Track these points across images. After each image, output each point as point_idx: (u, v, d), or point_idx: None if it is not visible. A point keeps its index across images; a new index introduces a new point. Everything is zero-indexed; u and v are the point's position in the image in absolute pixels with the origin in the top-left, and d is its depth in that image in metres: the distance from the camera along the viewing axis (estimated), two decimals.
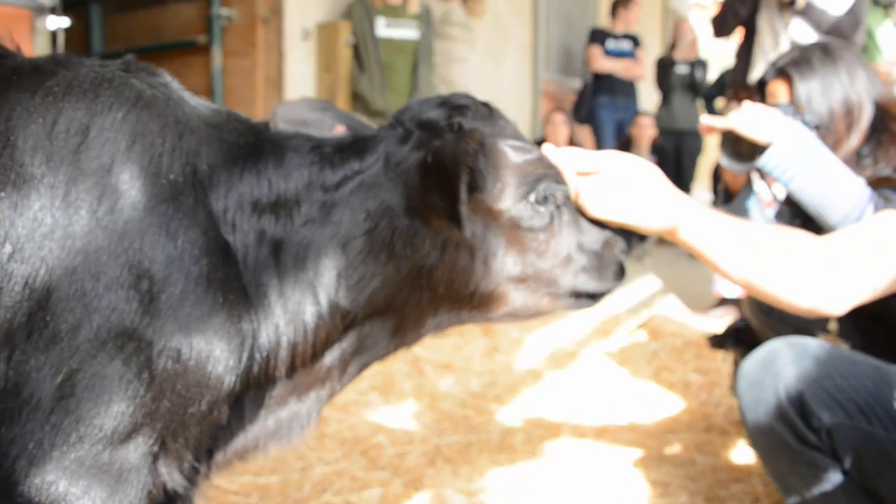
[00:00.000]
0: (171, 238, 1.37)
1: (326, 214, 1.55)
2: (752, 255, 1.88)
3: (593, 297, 1.81)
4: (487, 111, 1.70)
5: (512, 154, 1.65)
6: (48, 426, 1.32)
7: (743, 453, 3.35)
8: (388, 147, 1.61)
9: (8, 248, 1.30)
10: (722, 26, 5.90)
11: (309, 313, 1.54)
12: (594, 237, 1.79)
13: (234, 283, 1.44)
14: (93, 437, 1.33)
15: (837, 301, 1.93)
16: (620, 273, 1.83)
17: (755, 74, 5.30)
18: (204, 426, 1.47)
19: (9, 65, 1.43)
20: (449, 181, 1.49)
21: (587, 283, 1.77)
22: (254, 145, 1.57)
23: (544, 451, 3.35)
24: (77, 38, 6.95)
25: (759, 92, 2.90)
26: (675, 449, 3.42)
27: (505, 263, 1.64)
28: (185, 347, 1.36)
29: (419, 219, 1.57)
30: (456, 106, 1.65)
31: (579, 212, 1.79)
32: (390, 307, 1.61)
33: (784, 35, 5.27)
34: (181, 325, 1.36)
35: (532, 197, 1.65)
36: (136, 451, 1.39)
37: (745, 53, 5.56)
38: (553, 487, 3.02)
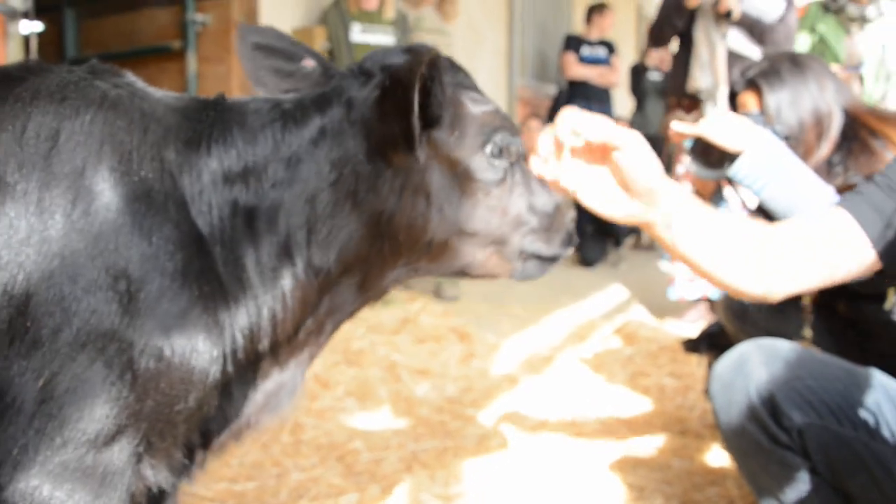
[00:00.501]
0: (146, 236, 1.38)
1: (293, 173, 1.56)
2: (715, 245, 1.82)
3: (541, 260, 1.83)
4: (449, 62, 1.73)
5: (470, 104, 1.69)
6: (32, 431, 1.32)
7: (718, 456, 3.38)
8: (349, 93, 1.63)
9: None
10: (658, 37, 6.00)
11: (286, 276, 1.55)
12: (545, 200, 1.80)
13: (209, 273, 1.45)
14: (76, 440, 1.34)
15: (777, 289, 1.89)
16: (569, 240, 1.84)
17: (693, 84, 5.42)
18: (192, 422, 1.48)
19: None
20: (403, 97, 1.51)
21: (535, 245, 1.79)
22: (215, 118, 1.58)
23: (520, 456, 3.36)
24: (51, 43, 6.88)
25: (730, 102, 2.93)
26: (650, 453, 3.44)
27: (459, 214, 1.67)
28: (167, 345, 1.37)
29: (380, 159, 1.59)
30: (420, 52, 1.61)
31: (531, 174, 1.78)
32: (357, 260, 1.63)
33: (720, 44, 5.37)
34: (161, 322, 1.37)
35: (488, 149, 1.68)
36: (121, 453, 1.40)
37: (683, 62, 5.66)
38: (529, 492, 3.03)
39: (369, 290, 1.71)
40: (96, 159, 1.38)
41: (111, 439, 1.37)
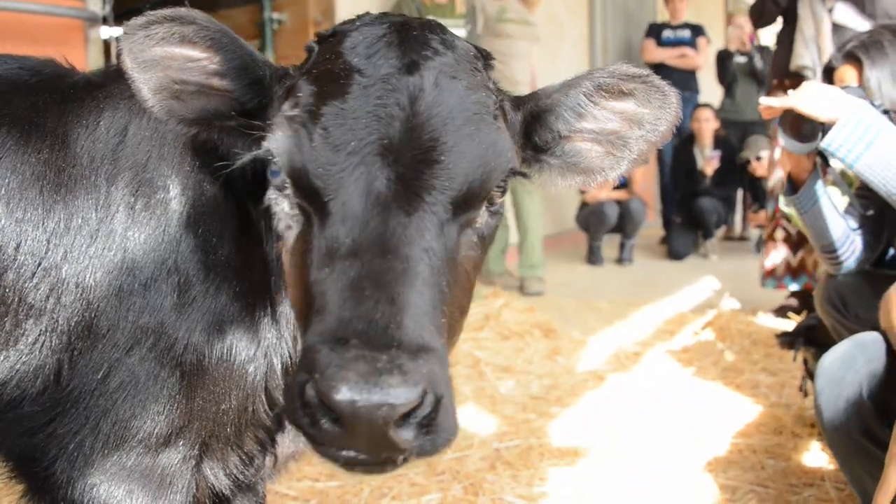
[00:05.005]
0: (193, 228, 1.40)
1: None
2: None
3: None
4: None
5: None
6: (88, 427, 1.34)
7: (815, 457, 3.22)
8: None
9: (62, 250, 1.35)
10: (761, 15, 5.75)
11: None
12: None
13: (251, 269, 1.44)
14: (133, 439, 1.35)
15: None
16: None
17: (797, 61, 5.15)
18: (241, 426, 1.46)
19: (67, 82, 1.51)
20: None
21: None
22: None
23: (607, 455, 3.26)
24: None
25: (827, 77, 2.78)
26: (743, 452, 3.30)
27: None
28: (208, 342, 1.38)
29: None
30: None
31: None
32: None
33: (826, 19, 5.10)
34: (204, 319, 1.37)
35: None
36: (178, 453, 1.41)
37: (786, 40, 5.40)
38: (616, 492, 2.94)
39: None
40: (159, 154, 1.42)
41: (167, 440, 1.38)
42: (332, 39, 1.26)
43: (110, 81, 1.51)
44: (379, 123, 1.10)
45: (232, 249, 1.42)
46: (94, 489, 1.35)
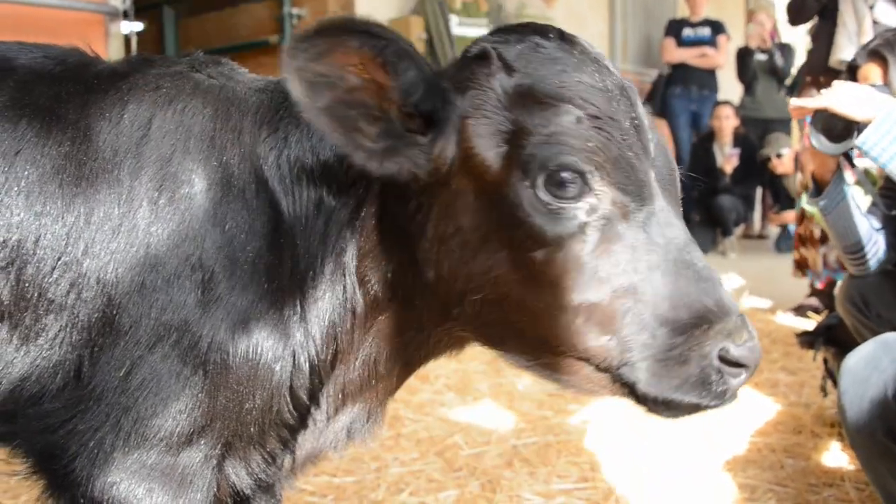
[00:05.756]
0: (220, 224, 1.37)
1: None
2: None
3: (641, 400, 1.25)
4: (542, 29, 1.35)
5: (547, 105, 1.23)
6: (109, 424, 1.33)
7: (835, 457, 3.20)
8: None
9: (82, 244, 1.33)
10: (800, 11, 5.66)
11: (349, 290, 1.44)
12: (681, 298, 1.19)
13: (279, 268, 1.41)
14: (154, 437, 1.34)
15: None
16: (702, 389, 1.21)
17: (838, 55, 5.07)
18: (264, 425, 1.45)
19: (91, 72, 1.48)
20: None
21: (637, 373, 1.21)
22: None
23: (625, 453, 3.25)
24: (151, 41, 7.11)
25: (850, 75, 2.75)
26: (762, 451, 3.28)
27: (484, 260, 1.28)
28: (233, 340, 1.36)
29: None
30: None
31: (675, 250, 1.24)
32: (407, 293, 1.42)
33: (868, 15, 5.04)
34: (229, 316, 1.35)
35: (542, 178, 1.21)
36: (199, 452, 1.39)
37: (825, 37, 5.32)
38: (634, 490, 2.92)
39: (429, 335, 1.48)
40: (184, 148, 1.40)
41: (189, 438, 1.37)
42: (505, 56, 1.27)
43: (134, 71, 1.49)
44: (640, 134, 1.26)
45: (262, 246, 1.39)
46: (115, 487, 1.34)
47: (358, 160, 1.21)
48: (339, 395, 1.54)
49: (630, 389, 1.23)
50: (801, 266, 5.51)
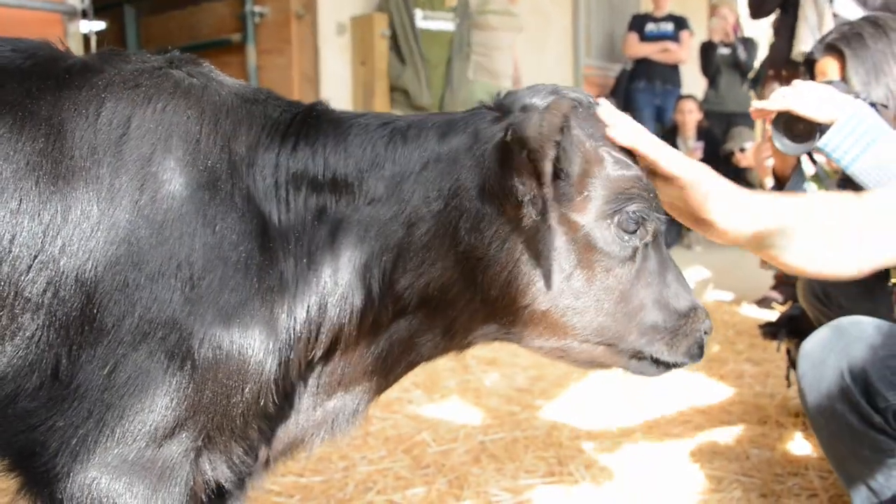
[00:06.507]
0: (209, 225, 1.37)
1: (392, 192, 1.49)
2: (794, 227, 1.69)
3: (658, 364, 1.61)
4: (593, 110, 1.56)
5: (609, 164, 1.49)
6: (92, 421, 1.32)
7: (799, 446, 3.23)
8: (478, 125, 1.51)
9: (59, 242, 1.32)
10: (760, 6, 5.71)
11: (358, 295, 1.49)
12: (680, 298, 1.59)
13: (272, 269, 1.42)
14: (136, 432, 1.34)
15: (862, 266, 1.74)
16: (698, 352, 1.62)
17: (800, 47, 5.12)
18: (249, 416, 1.46)
19: (62, 66, 1.45)
20: (532, 159, 1.39)
21: (654, 347, 1.58)
22: (305, 120, 1.53)
23: (592, 447, 3.26)
24: (112, 41, 7.02)
25: (808, 69, 2.77)
26: (728, 442, 3.31)
27: (568, 286, 1.48)
28: (224, 335, 1.36)
29: (492, 204, 1.46)
30: (559, 108, 1.48)
31: (670, 264, 1.60)
32: (443, 301, 1.53)
33: (828, 9, 5.09)
34: (220, 313, 1.36)
35: (618, 219, 1.48)
36: (180, 446, 1.39)
37: (786, 30, 5.37)
38: (602, 483, 2.94)
39: (454, 337, 1.59)
40: (165, 147, 1.39)
41: (171, 432, 1.36)
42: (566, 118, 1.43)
43: (108, 66, 1.47)
44: None
45: (254, 247, 1.40)
46: (95, 482, 1.34)
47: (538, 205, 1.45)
48: (333, 384, 1.58)
49: (650, 359, 1.60)
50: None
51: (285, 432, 1.60)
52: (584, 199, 1.47)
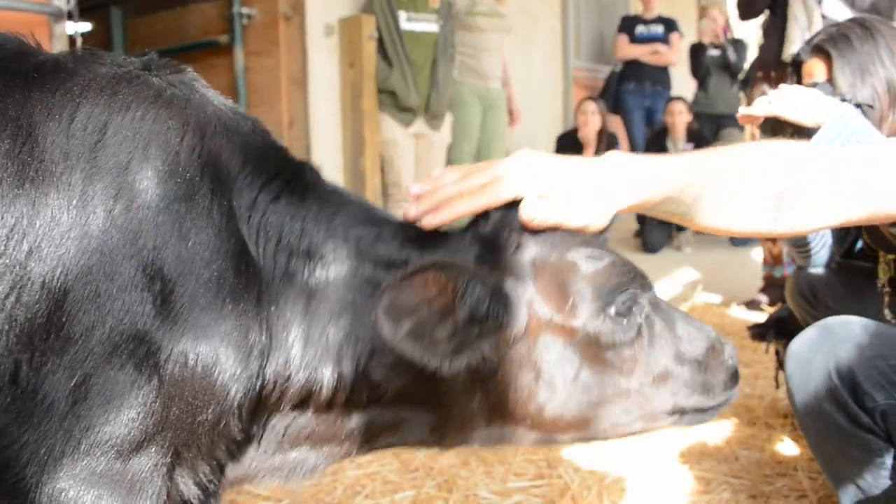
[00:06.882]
0: (183, 238, 1.33)
1: (372, 290, 1.43)
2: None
3: (705, 411, 1.61)
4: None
5: (581, 264, 1.47)
6: (61, 432, 1.29)
7: (788, 447, 3.24)
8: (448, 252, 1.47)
9: (26, 247, 1.27)
10: (750, 7, 5.72)
11: (327, 368, 1.44)
12: (695, 344, 1.57)
13: (245, 293, 1.37)
14: (105, 444, 1.30)
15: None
16: (733, 380, 1.61)
17: (790, 48, 5.13)
18: (214, 437, 1.42)
19: (31, 62, 1.39)
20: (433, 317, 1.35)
21: (691, 399, 1.57)
22: (294, 178, 1.50)
23: (581, 449, 3.25)
24: (98, 42, 6.96)
25: (795, 71, 2.77)
26: (717, 443, 3.32)
27: (579, 386, 1.48)
28: (192, 353, 1.32)
29: (471, 328, 1.40)
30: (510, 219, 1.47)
31: (674, 316, 1.57)
32: (431, 400, 1.49)
33: (816, 10, 5.11)
34: (190, 329, 1.31)
35: (612, 310, 1.46)
36: (149, 460, 1.35)
37: (776, 31, 5.38)
38: (591, 485, 2.93)
39: (445, 436, 1.55)
40: (142, 156, 1.34)
41: (139, 445, 1.33)
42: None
43: (82, 67, 1.40)
44: None
45: (228, 268, 1.36)
46: (63, 494, 1.30)
47: (432, 365, 1.36)
48: (301, 437, 1.53)
49: (693, 411, 1.59)
50: (776, 260, 5.57)
51: (239, 465, 1.54)
52: (572, 307, 1.45)
